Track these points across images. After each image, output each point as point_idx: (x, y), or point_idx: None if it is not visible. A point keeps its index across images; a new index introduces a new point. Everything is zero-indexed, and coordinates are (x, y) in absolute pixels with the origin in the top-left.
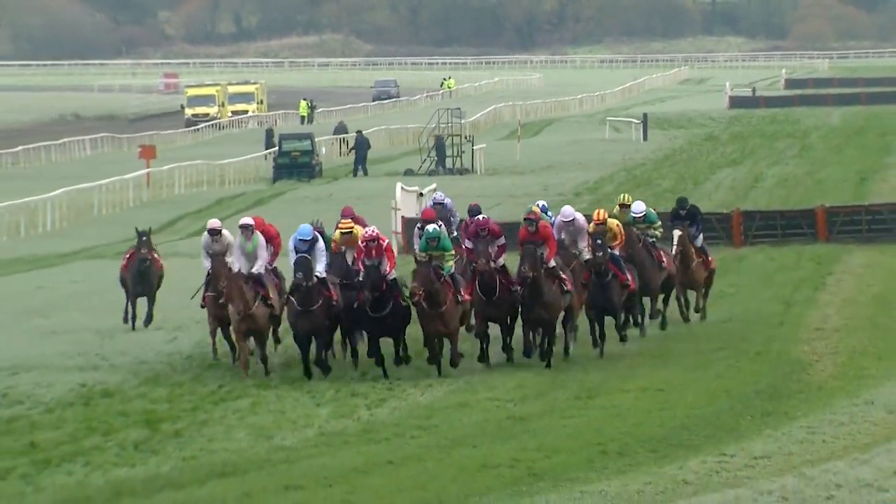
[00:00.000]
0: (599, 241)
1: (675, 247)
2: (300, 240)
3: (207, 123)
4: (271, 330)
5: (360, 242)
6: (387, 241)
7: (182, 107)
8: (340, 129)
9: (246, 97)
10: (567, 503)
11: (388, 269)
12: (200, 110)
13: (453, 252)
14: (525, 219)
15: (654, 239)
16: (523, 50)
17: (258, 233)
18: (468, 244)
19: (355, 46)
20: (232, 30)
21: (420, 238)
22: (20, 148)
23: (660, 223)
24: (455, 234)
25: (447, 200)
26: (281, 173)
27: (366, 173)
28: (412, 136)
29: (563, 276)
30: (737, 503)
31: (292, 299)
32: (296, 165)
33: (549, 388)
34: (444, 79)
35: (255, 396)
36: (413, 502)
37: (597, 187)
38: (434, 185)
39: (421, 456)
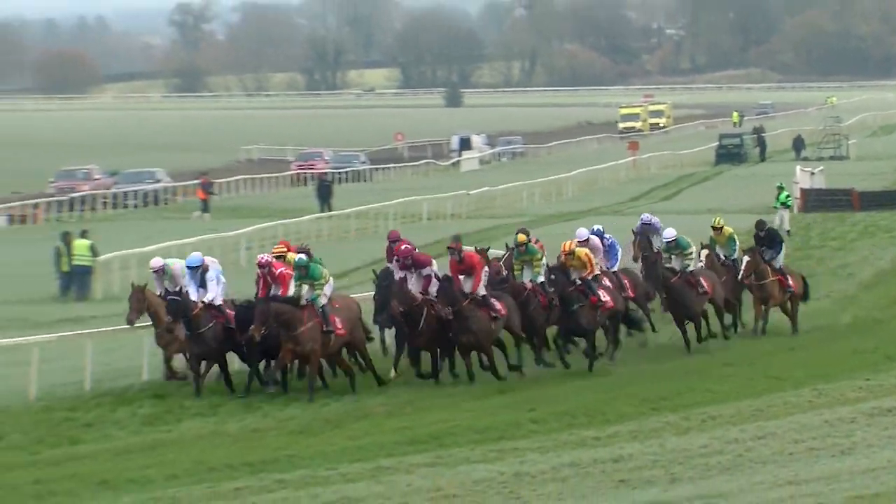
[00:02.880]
0: (553, 277)
1: (744, 267)
2: (188, 267)
3: (628, 135)
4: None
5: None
6: (280, 269)
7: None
8: (758, 130)
9: (658, 113)
10: None
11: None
12: (629, 124)
13: (322, 281)
14: (448, 248)
15: (688, 265)
16: (883, 76)
17: (210, 266)
18: (400, 274)
19: (769, 76)
20: (688, 65)
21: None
22: (553, 143)
23: (692, 250)
24: (663, 245)
25: (654, 220)
26: (721, 159)
27: (764, 160)
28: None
29: (495, 303)
30: None
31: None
32: (730, 154)
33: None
34: (827, 97)
35: None
36: None
37: None
38: (821, 167)
39: None
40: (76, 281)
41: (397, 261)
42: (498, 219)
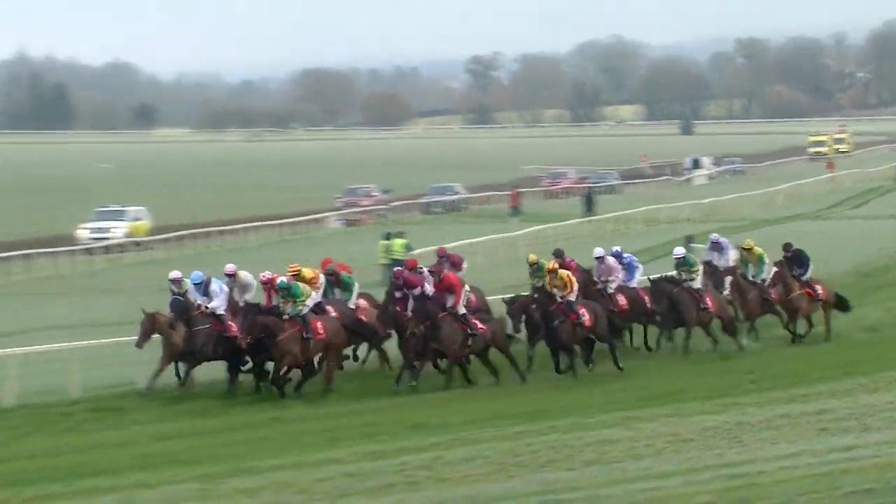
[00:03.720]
0: (537, 296)
1: (771, 276)
2: (193, 284)
3: (819, 158)
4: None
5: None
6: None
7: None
8: None
9: (840, 140)
10: None
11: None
12: (817, 149)
13: (302, 298)
14: (429, 272)
15: (693, 280)
16: None
17: (213, 280)
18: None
19: None
20: (875, 101)
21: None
22: (766, 163)
23: (698, 267)
24: (730, 262)
25: (721, 240)
26: None
27: None
28: None
29: (473, 320)
30: None
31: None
32: None
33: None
34: None
35: None
36: None
37: None
38: None
39: None
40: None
41: (395, 283)
42: (723, 223)
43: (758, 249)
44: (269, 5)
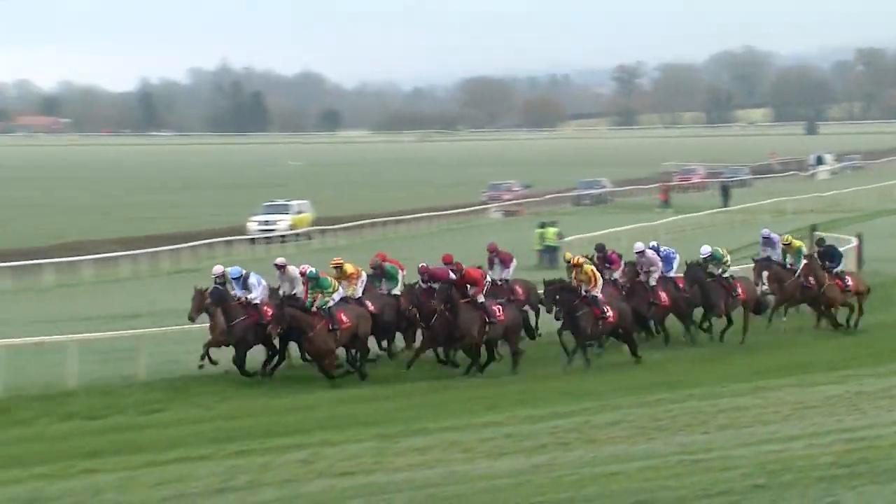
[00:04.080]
0: (559, 294)
1: (801, 268)
2: (232, 278)
3: None
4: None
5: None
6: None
7: None
8: None
9: None
10: None
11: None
12: None
13: (330, 290)
14: (452, 271)
15: (725, 271)
16: None
17: (252, 274)
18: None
19: None
20: None
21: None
22: (883, 160)
23: (727, 258)
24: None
25: (772, 235)
26: None
27: None
28: None
29: (493, 307)
30: None
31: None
32: None
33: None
34: None
35: None
36: None
37: None
38: None
39: None
40: (548, 256)
41: (421, 277)
42: (843, 213)
43: (797, 243)
44: (438, 21)
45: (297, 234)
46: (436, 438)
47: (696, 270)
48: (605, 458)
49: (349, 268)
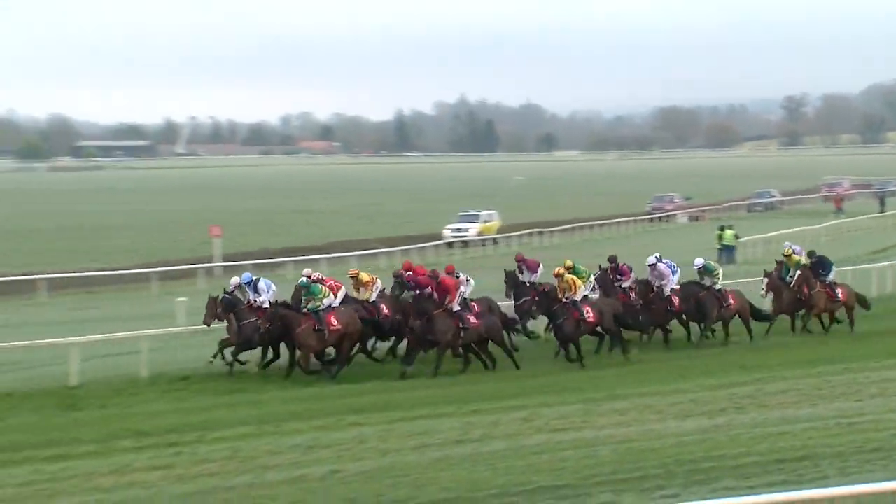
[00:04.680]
0: (538, 299)
1: (795, 279)
2: (244, 283)
3: None
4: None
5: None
6: (330, 282)
7: None
8: None
9: None
10: None
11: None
12: None
13: (320, 296)
14: (427, 276)
15: (716, 283)
16: None
17: (262, 279)
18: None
19: None
20: None
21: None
22: None
23: (718, 271)
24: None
25: (796, 247)
26: None
27: None
28: None
29: (466, 315)
30: None
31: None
32: None
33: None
34: None
35: None
36: None
37: None
38: None
39: None
40: (727, 254)
41: (404, 283)
42: None
43: (795, 257)
44: (636, 56)
45: (486, 239)
46: (632, 402)
47: (692, 287)
48: (775, 420)
49: (364, 276)
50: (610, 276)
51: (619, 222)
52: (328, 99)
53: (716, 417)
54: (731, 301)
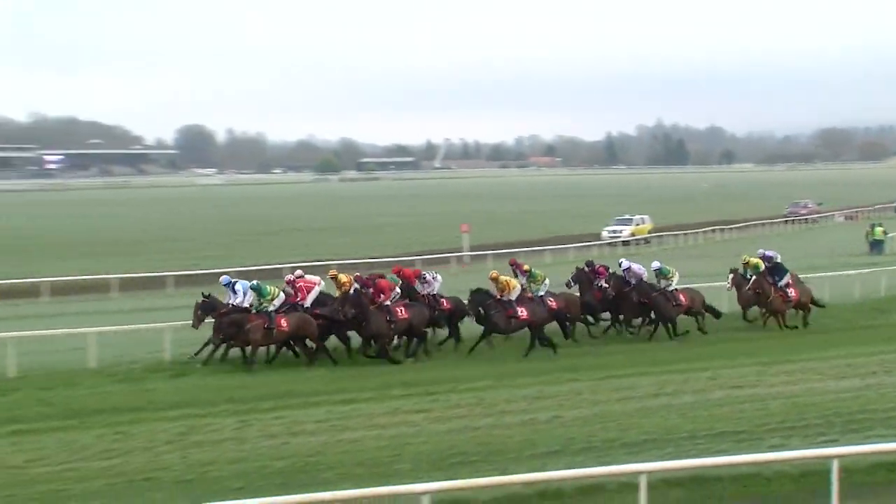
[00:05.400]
0: (472, 296)
1: (751, 283)
2: (223, 285)
3: None
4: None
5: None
6: (301, 284)
7: None
8: None
9: None
10: None
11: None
12: None
13: (269, 297)
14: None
15: (669, 285)
16: None
17: (239, 281)
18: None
19: None
20: None
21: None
22: None
23: (672, 273)
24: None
25: (769, 253)
26: None
27: None
28: None
29: (395, 310)
30: None
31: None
32: None
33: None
34: None
35: None
36: None
37: None
38: None
39: None
40: (876, 247)
41: (363, 285)
42: None
43: (753, 261)
44: (799, 82)
45: (638, 239)
46: (798, 366)
47: (644, 286)
48: (811, 391)
49: (343, 277)
50: (588, 275)
51: (772, 222)
52: (552, 123)
53: (867, 378)
54: (683, 299)
